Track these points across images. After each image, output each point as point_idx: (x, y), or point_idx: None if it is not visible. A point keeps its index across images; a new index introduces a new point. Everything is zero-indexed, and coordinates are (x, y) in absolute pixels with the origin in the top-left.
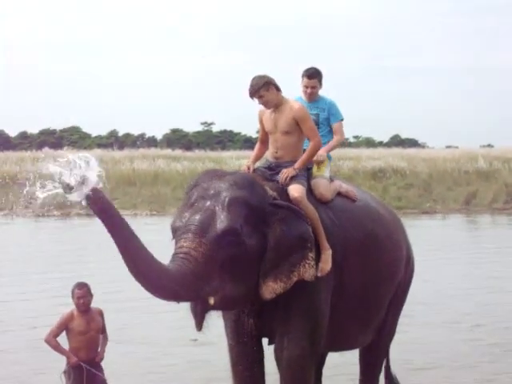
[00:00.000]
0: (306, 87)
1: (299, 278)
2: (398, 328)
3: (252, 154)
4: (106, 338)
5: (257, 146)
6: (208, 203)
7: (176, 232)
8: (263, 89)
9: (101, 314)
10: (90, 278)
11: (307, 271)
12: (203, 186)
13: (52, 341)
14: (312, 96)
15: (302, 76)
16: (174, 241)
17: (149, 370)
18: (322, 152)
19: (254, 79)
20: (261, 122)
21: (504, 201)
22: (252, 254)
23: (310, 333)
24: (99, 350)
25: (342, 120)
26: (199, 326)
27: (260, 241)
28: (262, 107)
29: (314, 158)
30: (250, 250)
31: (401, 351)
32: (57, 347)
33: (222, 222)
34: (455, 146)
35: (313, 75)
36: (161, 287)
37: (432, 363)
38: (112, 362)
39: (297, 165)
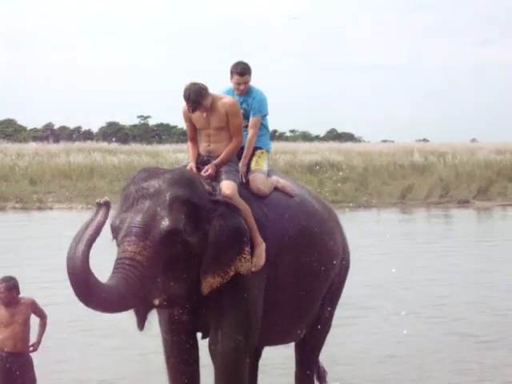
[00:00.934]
0: (239, 84)
1: (235, 272)
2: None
3: (189, 154)
4: (44, 325)
5: (189, 145)
6: (148, 203)
7: (117, 232)
8: (203, 99)
9: (31, 305)
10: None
11: (243, 265)
12: (142, 184)
13: None
14: (244, 92)
15: (232, 72)
16: (115, 241)
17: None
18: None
19: (190, 93)
20: (188, 120)
21: (439, 195)
22: (194, 251)
23: (243, 326)
24: (37, 336)
25: (262, 115)
26: (141, 325)
27: (201, 238)
28: (185, 105)
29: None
30: (193, 248)
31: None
32: None
33: (164, 222)
34: (391, 141)
35: (243, 72)
36: (108, 304)
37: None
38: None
39: (217, 162)
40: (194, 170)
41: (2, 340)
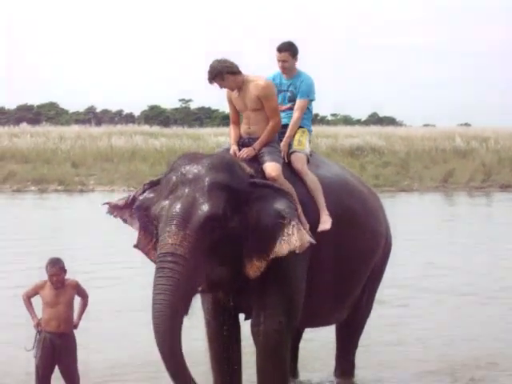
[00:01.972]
0: (279, 61)
1: (279, 255)
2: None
3: (230, 137)
4: (85, 305)
5: (231, 128)
6: (187, 190)
7: (158, 220)
8: (218, 78)
9: (76, 286)
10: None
11: (285, 247)
12: (181, 170)
13: (24, 300)
14: (285, 70)
15: (276, 50)
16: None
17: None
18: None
19: (211, 66)
20: (230, 101)
21: (481, 180)
22: (236, 235)
23: (286, 308)
24: (77, 317)
25: (309, 99)
26: (186, 310)
27: (242, 222)
28: None
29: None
30: (234, 232)
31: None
32: (27, 305)
33: (203, 208)
34: (432, 125)
35: (282, 48)
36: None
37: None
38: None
39: (256, 145)
40: (237, 152)
41: (46, 320)
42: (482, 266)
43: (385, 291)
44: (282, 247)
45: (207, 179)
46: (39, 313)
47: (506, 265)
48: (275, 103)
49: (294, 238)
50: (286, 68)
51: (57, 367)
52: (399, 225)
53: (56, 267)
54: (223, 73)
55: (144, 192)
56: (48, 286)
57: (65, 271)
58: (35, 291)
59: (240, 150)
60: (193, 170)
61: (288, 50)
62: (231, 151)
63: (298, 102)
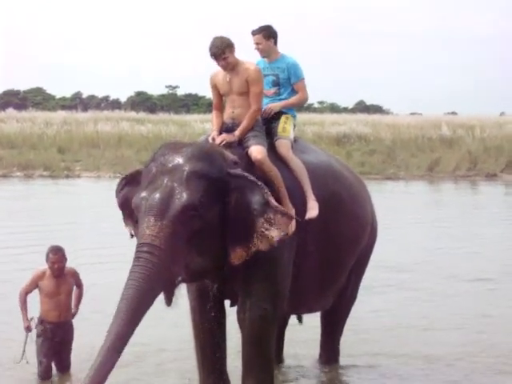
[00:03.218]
0: (255, 44)
1: (261, 250)
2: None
3: (213, 123)
4: (81, 295)
5: (214, 115)
6: (166, 180)
7: (137, 210)
8: (228, 50)
9: (74, 274)
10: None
11: (264, 243)
12: (161, 160)
13: (21, 296)
14: (261, 53)
15: None
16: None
17: None
18: (274, 105)
19: (216, 41)
20: (214, 87)
21: (467, 168)
22: (215, 225)
23: (272, 295)
24: (74, 306)
25: (303, 79)
26: (169, 301)
27: (222, 211)
28: (213, 71)
29: (264, 112)
30: (213, 221)
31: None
32: (21, 304)
33: (180, 198)
34: (419, 113)
35: (254, 31)
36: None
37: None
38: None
39: (237, 132)
40: (217, 138)
41: (46, 310)
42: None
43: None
44: (261, 243)
45: (185, 169)
46: (33, 309)
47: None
48: (260, 89)
49: (270, 233)
50: (261, 50)
51: None
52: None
53: (59, 254)
54: (233, 45)
55: (123, 188)
56: (47, 275)
57: (65, 259)
58: (35, 283)
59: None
60: (172, 159)
61: (261, 32)
62: (211, 137)
63: (300, 83)
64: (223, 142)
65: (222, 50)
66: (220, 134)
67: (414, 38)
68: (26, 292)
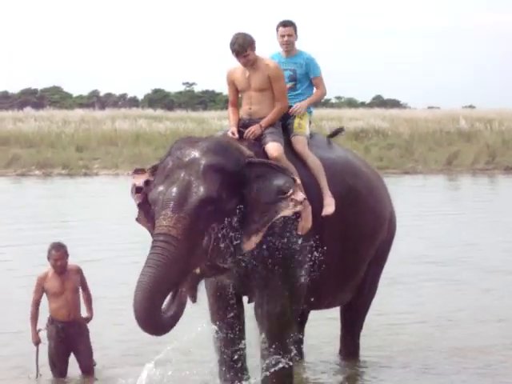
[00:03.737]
0: (283, 36)
1: (282, 215)
2: None
3: (230, 119)
4: (89, 296)
5: (231, 111)
6: (183, 173)
7: (155, 204)
8: (250, 47)
9: (78, 271)
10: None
11: (288, 210)
12: (177, 154)
13: (32, 309)
14: (289, 46)
15: (277, 28)
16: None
17: None
18: (301, 104)
19: (238, 38)
20: (231, 83)
21: (485, 161)
22: (233, 217)
23: (289, 290)
24: (87, 311)
25: (321, 74)
26: (193, 297)
27: (239, 203)
28: (231, 67)
29: (293, 111)
30: (231, 214)
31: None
32: (32, 317)
33: (198, 192)
34: (437, 107)
35: (287, 23)
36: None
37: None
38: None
39: (263, 123)
40: (236, 134)
41: (55, 309)
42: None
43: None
44: (286, 211)
45: (202, 162)
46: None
47: None
48: (284, 85)
49: (296, 206)
50: (290, 44)
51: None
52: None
53: (61, 251)
54: (254, 42)
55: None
56: (51, 275)
57: (67, 255)
58: (40, 288)
59: (240, 131)
60: (188, 153)
61: (293, 25)
62: (230, 132)
63: (318, 79)
64: (251, 134)
65: (244, 48)
66: (238, 130)
67: (430, 32)
68: (35, 302)
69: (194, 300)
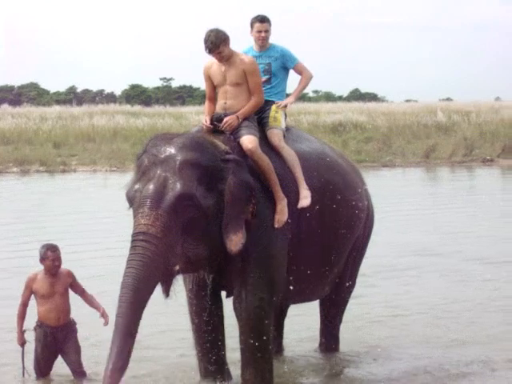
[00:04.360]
0: (259, 32)
1: (248, 222)
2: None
3: (205, 111)
4: (89, 296)
5: (206, 104)
6: (159, 170)
7: (131, 202)
8: (223, 44)
9: (69, 275)
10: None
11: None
12: (153, 151)
13: (19, 309)
14: (265, 41)
15: (252, 23)
16: (131, 210)
17: None
18: (291, 99)
19: (211, 35)
20: (207, 78)
21: (463, 154)
22: (211, 213)
23: (267, 284)
24: (98, 310)
25: (298, 62)
26: (167, 292)
27: (217, 199)
28: (207, 62)
29: (283, 104)
30: (208, 210)
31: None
32: (19, 318)
33: (174, 188)
34: (414, 100)
35: (264, 19)
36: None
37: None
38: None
39: (239, 114)
40: (208, 122)
41: (43, 313)
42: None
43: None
44: (251, 213)
45: (178, 159)
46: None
47: None
48: (259, 79)
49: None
50: (265, 39)
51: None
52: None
53: (57, 252)
54: (228, 38)
55: None
56: (40, 276)
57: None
58: (29, 289)
59: (215, 125)
60: (164, 150)
61: (269, 21)
62: (203, 121)
63: (298, 66)
64: (228, 125)
65: (216, 45)
66: (211, 123)
67: (408, 26)
68: (23, 302)
69: (167, 295)
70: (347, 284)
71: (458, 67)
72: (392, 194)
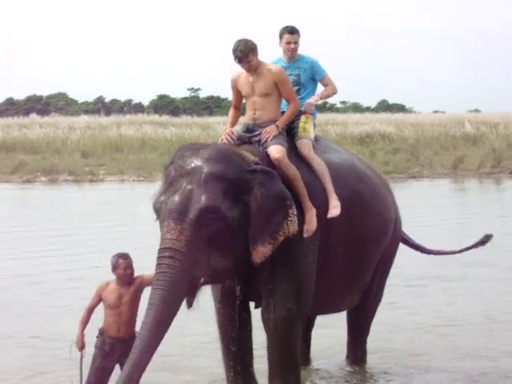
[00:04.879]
0: (289, 43)
1: (285, 237)
2: None
3: (228, 120)
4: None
5: (231, 113)
6: (184, 183)
7: (158, 213)
8: (251, 53)
9: (141, 283)
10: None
11: (290, 228)
12: (179, 163)
13: (84, 314)
14: (294, 53)
15: (282, 34)
16: (158, 222)
17: None
18: (311, 100)
19: (240, 44)
20: (234, 87)
21: (491, 165)
22: (236, 225)
23: (296, 295)
24: None
25: (326, 75)
26: (190, 303)
27: (242, 211)
28: (235, 73)
29: (305, 107)
30: (233, 222)
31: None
32: (81, 322)
33: (199, 201)
34: (442, 111)
35: (293, 30)
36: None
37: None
38: None
39: (279, 123)
40: (233, 133)
41: (108, 324)
42: None
43: None
44: (291, 226)
45: (204, 171)
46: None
47: None
48: (291, 87)
49: (294, 220)
50: (294, 50)
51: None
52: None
53: (128, 260)
54: (256, 48)
55: None
56: (111, 286)
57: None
58: (98, 296)
59: (245, 136)
60: (190, 162)
61: (298, 32)
62: (226, 132)
63: (325, 79)
64: (268, 134)
65: (245, 54)
66: (238, 136)
67: (436, 36)
68: (90, 308)
69: (190, 306)
70: (375, 295)
71: (486, 78)
72: (424, 205)
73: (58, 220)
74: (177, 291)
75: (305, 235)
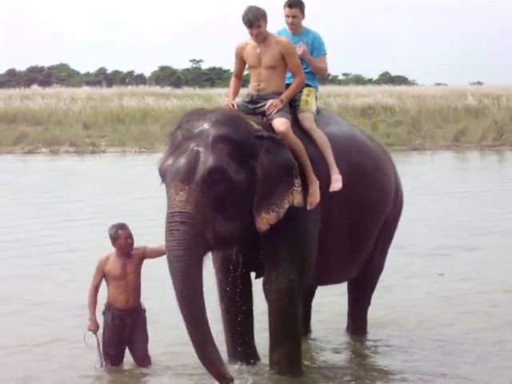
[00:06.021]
0: (288, 17)
1: (290, 205)
2: None
3: (230, 90)
4: (159, 248)
5: (232, 82)
6: (192, 144)
7: (164, 176)
8: (262, 19)
9: (143, 254)
10: None
11: (295, 197)
12: (186, 126)
13: (90, 294)
14: (293, 26)
15: (284, 6)
16: (163, 185)
17: None
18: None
19: (251, 9)
20: (239, 56)
21: (493, 138)
22: (242, 189)
23: (297, 266)
24: None
25: (325, 54)
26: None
27: (248, 175)
28: (242, 41)
29: (299, 50)
30: (239, 185)
31: None
32: (89, 304)
33: (206, 162)
34: (444, 84)
35: (293, 4)
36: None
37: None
38: None
39: (283, 97)
40: (235, 107)
41: (113, 296)
42: None
43: None
44: (296, 196)
45: (211, 133)
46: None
47: None
48: (298, 60)
49: (299, 190)
50: (294, 24)
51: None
52: None
53: (127, 229)
54: (261, 18)
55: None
56: (112, 258)
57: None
58: (101, 272)
59: (247, 106)
60: (197, 125)
61: (298, 6)
62: (226, 104)
63: (321, 58)
64: (273, 107)
65: (257, 18)
66: (235, 101)
67: (438, 9)
68: (95, 287)
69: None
70: (376, 266)
71: (488, 50)
72: (430, 178)
73: (56, 191)
74: (195, 255)
75: (308, 207)
